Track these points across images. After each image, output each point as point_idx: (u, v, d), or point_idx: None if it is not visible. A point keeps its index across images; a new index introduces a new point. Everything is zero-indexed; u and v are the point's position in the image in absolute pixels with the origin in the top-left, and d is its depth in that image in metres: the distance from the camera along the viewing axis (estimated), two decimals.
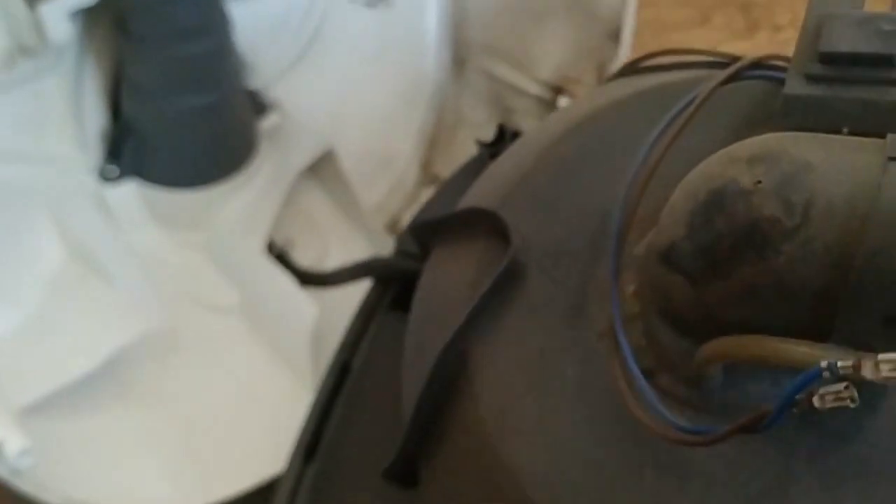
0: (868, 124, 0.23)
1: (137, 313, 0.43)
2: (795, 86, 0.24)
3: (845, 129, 0.23)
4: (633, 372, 0.25)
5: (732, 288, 0.23)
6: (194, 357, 0.45)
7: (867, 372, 0.18)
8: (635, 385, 0.25)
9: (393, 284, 0.38)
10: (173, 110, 0.46)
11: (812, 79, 0.24)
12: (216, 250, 0.47)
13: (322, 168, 0.52)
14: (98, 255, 0.44)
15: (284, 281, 0.44)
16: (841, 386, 0.19)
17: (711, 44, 0.64)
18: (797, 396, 0.20)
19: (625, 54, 0.48)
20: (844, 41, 0.23)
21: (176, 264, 0.47)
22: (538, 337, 0.29)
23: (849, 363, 0.19)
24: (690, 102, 0.27)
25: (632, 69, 0.34)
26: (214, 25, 0.46)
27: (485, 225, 0.30)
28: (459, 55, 0.57)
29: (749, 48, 0.76)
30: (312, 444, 0.37)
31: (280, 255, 0.45)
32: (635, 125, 0.29)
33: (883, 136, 0.23)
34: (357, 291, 0.42)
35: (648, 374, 0.27)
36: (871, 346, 0.21)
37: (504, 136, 0.37)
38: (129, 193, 0.47)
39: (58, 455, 0.40)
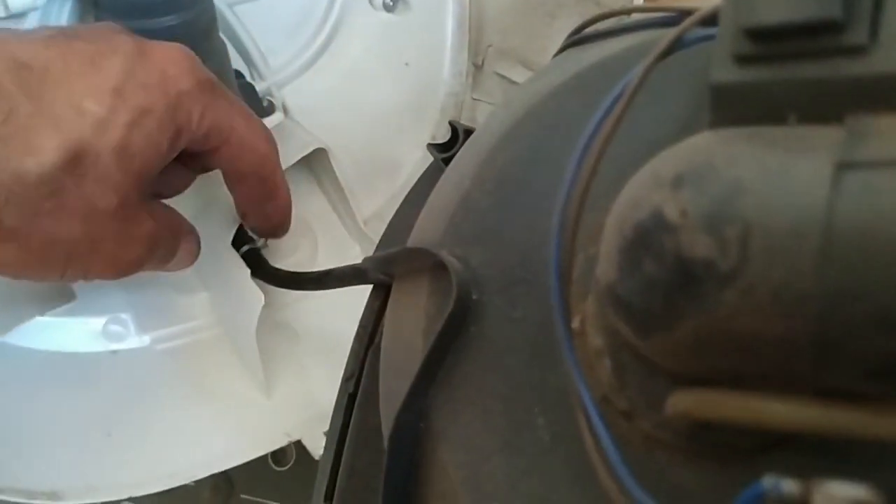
0: (821, 108, 0.18)
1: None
2: (723, 72, 0.19)
3: (793, 118, 0.19)
4: (598, 428, 0.21)
5: (678, 341, 0.19)
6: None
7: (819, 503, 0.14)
8: (602, 445, 0.21)
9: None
10: None
11: (743, 60, 0.19)
12: None
13: (318, 170, 0.49)
14: None
15: (238, 270, 0.42)
16: None
17: None
18: None
19: None
20: (772, 9, 0.18)
21: None
22: (502, 385, 0.25)
23: (797, 486, 0.15)
24: (620, 95, 0.22)
25: (576, 40, 0.29)
26: (181, 3, 0.43)
27: (430, 261, 0.27)
28: (476, 60, 0.54)
29: None
30: (331, 485, 0.35)
31: (250, 252, 0.42)
32: (577, 117, 0.25)
33: (841, 121, 0.18)
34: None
35: (626, 417, 0.23)
36: (860, 394, 0.17)
37: (457, 136, 0.33)
38: None
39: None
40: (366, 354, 0.37)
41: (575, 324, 0.25)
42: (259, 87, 0.49)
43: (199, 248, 0.39)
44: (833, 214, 0.16)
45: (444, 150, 0.33)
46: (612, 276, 0.20)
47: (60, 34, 0.31)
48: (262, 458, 0.49)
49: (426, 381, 0.26)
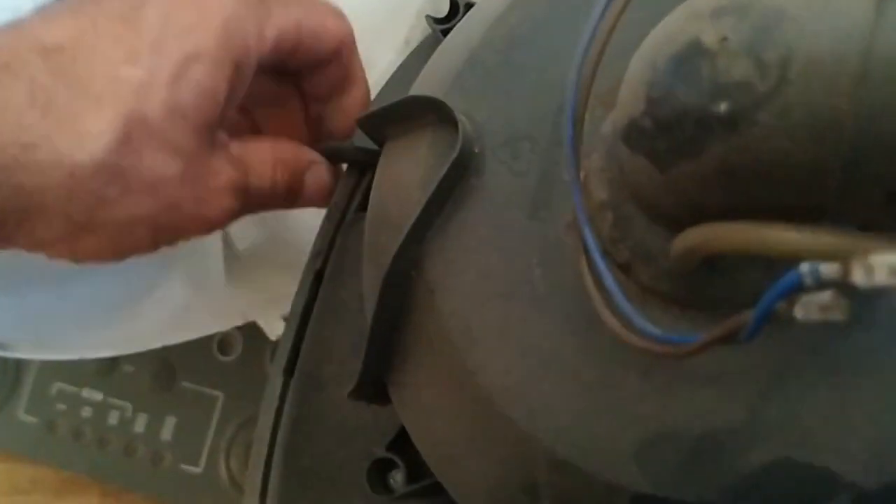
0: None
1: None
2: None
3: None
4: (601, 269, 0.22)
5: (703, 169, 0.19)
6: None
7: (858, 277, 0.15)
8: (604, 285, 0.22)
9: (365, 179, 0.35)
10: None
11: None
12: None
13: None
14: None
15: None
16: (826, 296, 0.16)
17: None
18: (777, 306, 0.16)
19: None
20: None
21: None
22: (500, 236, 0.25)
23: (835, 266, 0.15)
24: None
25: None
26: None
27: (432, 114, 0.27)
28: None
29: None
30: (292, 358, 0.35)
31: None
32: None
33: None
34: None
35: (624, 269, 0.24)
36: (874, 226, 0.18)
37: (457, 10, 0.32)
38: None
39: None
40: (336, 232, 0.36)
41: None
42: None
43: (331, 177, 0.36)
44: (874, 39, 0.17)
45: (444, 22, 0.33)
46: (638, 110, 0.20)
47: None
48: (207, 348, 0.49)
49: (423, 228, 0.26)
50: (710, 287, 0.22)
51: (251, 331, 0.47)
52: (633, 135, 0.21)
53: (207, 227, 0.31)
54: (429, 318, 0.26)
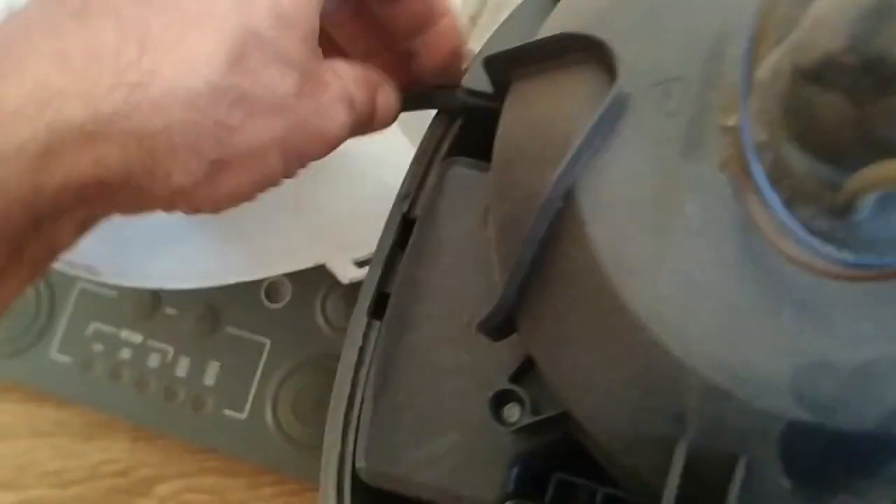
0: None
1: None
2: None
3: None
4: (776, 204, 0.23)
5: None
6: None
7: None
8: (776, 216, 0.23)
9: (455, 124, 0.35)
10: None
11: None
12: None
13: None
14: None
15: None
16: None
17: None
18: None
19: None
20: None
21: None
22: (652, 173, 0.26)
23: None
24: None
25: None
26: None
27: (578, 54, 0.27)
28: None
29: None
30: (380, 299, 0.35)
31: None
32: None
33: None
34: None
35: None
36: None
37: None
38: None
39: None
40: (424, 176, 0.37)
41: (731, 122, 0.26)
42: None
43: (396, 99, 0.34)
44: None
45: None
46: (838, 45, 0.21)
47: None
48: (254, 294, 0.48)
49: (577, 161, 0.26)
50: (871, 226, 0.24)
51: (300, 278, 0.47)
52: (829, 72, 0.22)
53: (329, 144, 0.31)
54: (578, 249, 0.26)
